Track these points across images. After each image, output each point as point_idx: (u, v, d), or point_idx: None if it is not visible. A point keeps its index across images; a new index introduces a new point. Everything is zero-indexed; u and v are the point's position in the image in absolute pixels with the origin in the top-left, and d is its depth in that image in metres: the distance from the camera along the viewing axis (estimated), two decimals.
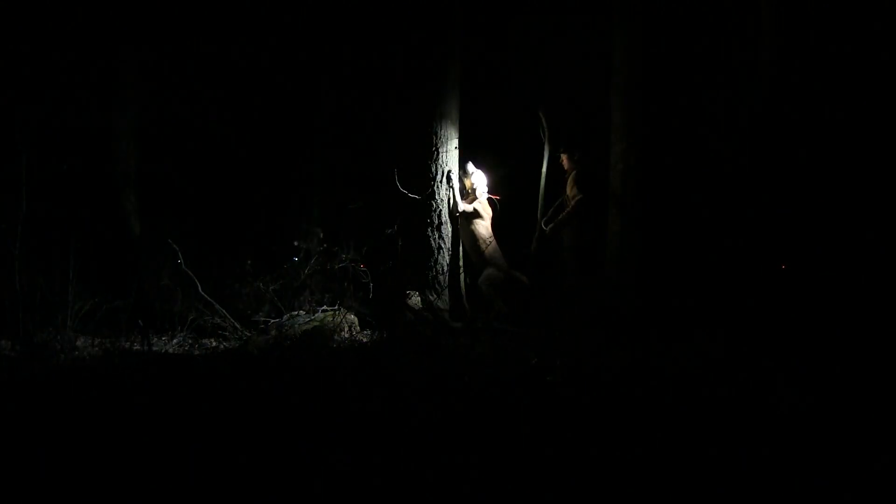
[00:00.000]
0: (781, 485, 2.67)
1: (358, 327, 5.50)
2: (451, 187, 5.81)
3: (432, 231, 5.83)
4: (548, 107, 6.25)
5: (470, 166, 5.97)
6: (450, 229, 5.89)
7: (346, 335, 5.28)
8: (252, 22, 6.93)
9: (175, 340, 5.11)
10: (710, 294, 5.61)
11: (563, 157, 6.13)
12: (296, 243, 5.61)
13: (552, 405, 3.53)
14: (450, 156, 5.94)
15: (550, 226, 6.07)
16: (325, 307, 5.48)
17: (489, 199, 5.99)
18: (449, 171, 5.83)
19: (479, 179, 5.97)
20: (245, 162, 6.98)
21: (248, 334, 5.16)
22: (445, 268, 5.84)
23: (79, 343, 4.81)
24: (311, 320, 5.28)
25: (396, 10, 5.91)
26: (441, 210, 5.87)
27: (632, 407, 3.50)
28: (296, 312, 5.42)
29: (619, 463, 2.81)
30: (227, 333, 5.21)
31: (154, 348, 4.84)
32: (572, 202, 6.02)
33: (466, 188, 5.98)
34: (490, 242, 5.86)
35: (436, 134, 5.83)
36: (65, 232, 5.02)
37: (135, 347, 4.82)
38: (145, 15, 6.61)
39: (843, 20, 5.63)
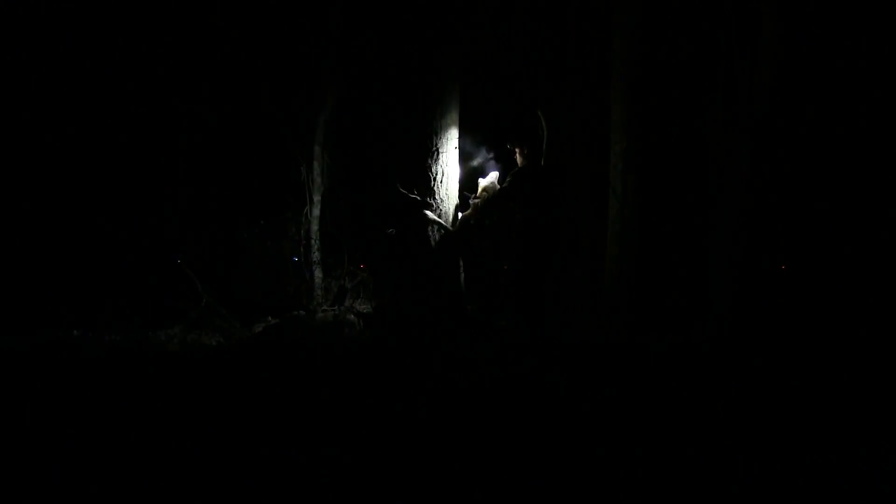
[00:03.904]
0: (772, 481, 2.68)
1: (357, 327, 5.50)
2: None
3: (432, 231, 5.83)
4: (547, 106, 6.24)
5: (493, 175, 5.89)
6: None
7: (347, 335, 5.28)
8: (253, 22, 6.92)
9: (175, 340, 5.11)
10: (709, 292, 5.63)
11: (517, 151, 6.00)
12: (295, 259, 5.63)
13: (552, 403, 3.53)
14: (450, 156, 5.94)
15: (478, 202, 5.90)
16: (325, 307, 5.48)
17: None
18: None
19: (484, 182, 5.92)
20: (245, 162, 6.98)
21: (249, 333, 5.16)
22: (445, 267, 5.83)
23: (79, 343, 4.80)
24: (311, 320, 5.28)
25: (396, 11, 5.91)
26: (441, 210, 5.87)
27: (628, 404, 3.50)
28: (296, 312, 5.43)
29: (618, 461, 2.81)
30: (227, 333, 5.21)
31: (154, 348, 4.84)
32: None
33: (478, 193, 5.94)
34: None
35: (436, 133, 5.83)
36: (66, 233, 5.02)
37: (135, 347, 4.81)
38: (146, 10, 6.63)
39: (842, 22, 5.64)
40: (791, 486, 2.68)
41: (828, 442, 3.11)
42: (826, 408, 3.54)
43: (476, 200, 5.80)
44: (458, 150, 6.00)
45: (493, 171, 5.88)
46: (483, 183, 5.84)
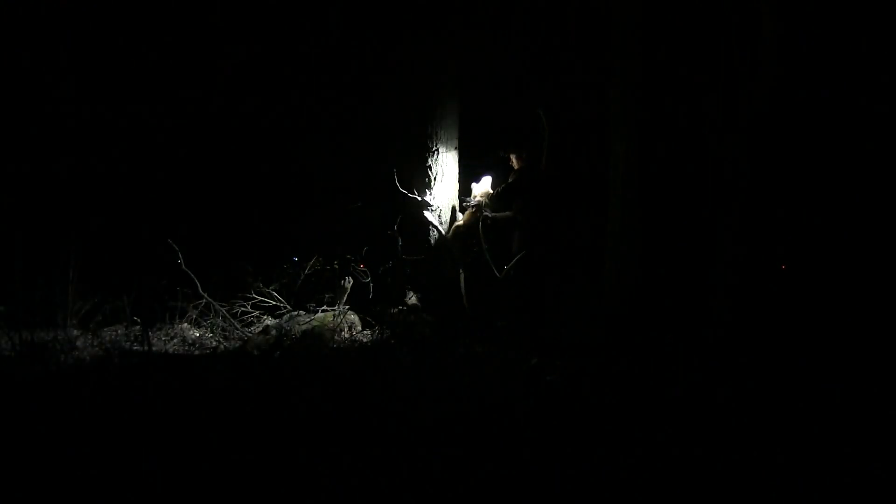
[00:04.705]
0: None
1: (358, 327, 5.49)
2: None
3: (432, 231, 5.83)
4: (547, 107, 6.23)
5: (486, 179, 5.88)
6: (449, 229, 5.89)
7: (346, 335, 5.27)
8: (251, 23, 6.93)
9: (175, 340, 5.11)
10: (709, 292, 5.62)
11: (512, 157, 5.96)
12: (295, 259, 5.63)
13: (552, 405, 3.53)
14: (449, 157, 5.94)
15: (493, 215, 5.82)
16: (324, 307, 5.48)
17: None
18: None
19: (478, 189, 5.89)
20: (244, 162, 6.97)
21: (249, 334, 5.15)
22: (446, 267, 5.83)
23: (79, 343, 4.80)
24: (311, 320, 5.28)
25: (395, 11, 5.92)
26: (441, 210, 5.88)
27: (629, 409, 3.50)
28: (296, 312, 5.43)
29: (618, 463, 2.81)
30: (227, 333, 5.20)
31: (154, 348, 4.83)
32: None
33: (471, 195, 5.93)
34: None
35: (436, 133, 5.84)
36: (65, 231, 5.02)
37: (135, 347, 4.81)
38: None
39: (842, 21, 5.64)
40: (791, 487, 2.68)
41: (828, 443, 3.11)
42: (826, 409, 3.54)
43: (470, 204, 5.79)
44: (457, 150, 6.01)
45: (487, 175, 5.88)
46: (476, 189, 5.84)
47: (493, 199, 5.71)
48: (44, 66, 6.42)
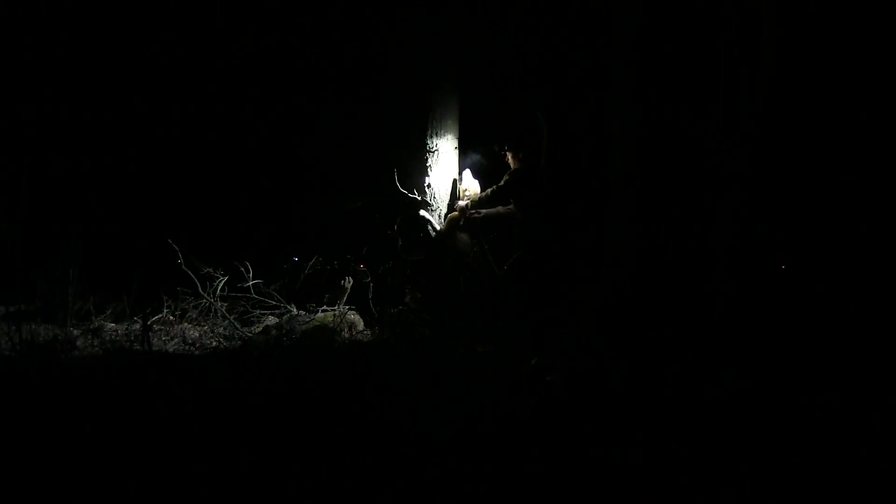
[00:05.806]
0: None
1: (358, 327, 5.49)
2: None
3: (432, 230, 5.84)
4: (546, 107, 6.24)
5: (467, 174, 5.91)
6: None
7: (347, 335, 5.28)
8: (247, 22, 6.93)
9: (175, 340, 5.11)
10: (709, 293, 5.63)
11: (509, 156, 5.95)
12: (295, 259, 5.65)
13: (553, 405, 3.54)
14: (449, 156, 5.95)
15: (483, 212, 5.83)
16: (325, 307, 5.48)
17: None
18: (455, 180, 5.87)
19: (470, 184, 5.89)
20: (244, 162, 6.97)
21: (249, 334, 5.16)
22: (446, 267, 5.84)
23: (79, 343, 4.80)
24: (311, 320, 5.28)
25: (395, 10, 5.93)
26: (440, 210, 5.88)
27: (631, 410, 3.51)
28: (296, 312, 5.43)
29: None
30: (227, 333, 5.21)
31: (154, 348, 4.83)
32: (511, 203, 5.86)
33: (459, 194, 5.94)
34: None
35: (436, 133, 5.85)
36: (65, 231, 5.02)
37: (135, 347, 4.81)
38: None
39: (842, 22, 5.64)
40: (790, 485, 2.68)
41: (827, 442, 3.12)
42: (824, 407, 3.54)
43: (462, 203, 5.77)
44: (457, 150, 6.02)
45: (467, 170, 5.87)
46: (462, 184, 5.83)
47: (484, 201, 5.70)
48: (43, 63, 6.42)
